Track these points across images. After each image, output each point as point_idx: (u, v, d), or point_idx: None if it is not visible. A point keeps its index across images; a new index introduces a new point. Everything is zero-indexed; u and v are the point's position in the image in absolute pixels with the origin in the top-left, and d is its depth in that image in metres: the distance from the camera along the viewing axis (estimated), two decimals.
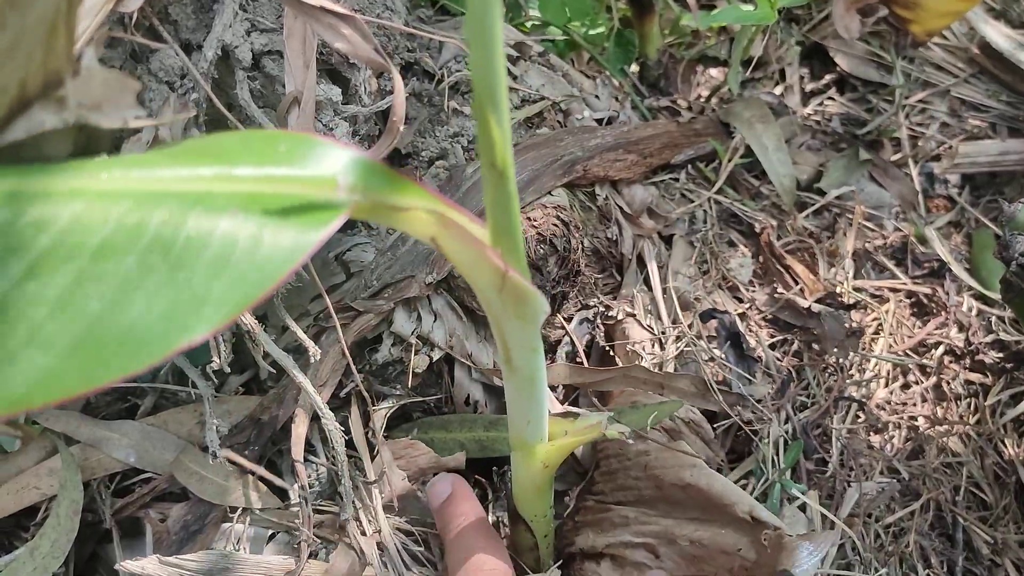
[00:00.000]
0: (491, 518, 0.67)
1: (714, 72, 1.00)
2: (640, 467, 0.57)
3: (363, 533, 0.59)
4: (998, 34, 1.00)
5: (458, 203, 0.66)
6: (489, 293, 0.41)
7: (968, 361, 0.75)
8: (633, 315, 0.72)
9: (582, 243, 0.65)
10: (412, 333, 0.64)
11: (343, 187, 0.33)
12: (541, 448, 0.50)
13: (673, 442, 0.58)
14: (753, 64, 1.02)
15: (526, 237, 0.63)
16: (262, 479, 0.63)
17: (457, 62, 0.73)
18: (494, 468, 0.64)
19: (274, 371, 0.60)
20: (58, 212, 0.30)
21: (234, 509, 0.62)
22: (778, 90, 1.02)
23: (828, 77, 1.03)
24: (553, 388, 0.68)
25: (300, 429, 0.59)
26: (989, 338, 0.75)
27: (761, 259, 0.79)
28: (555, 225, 0.63)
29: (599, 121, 0.77)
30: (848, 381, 0.71)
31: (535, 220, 0.63)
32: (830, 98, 1.02)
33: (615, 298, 0.73)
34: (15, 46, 0.28)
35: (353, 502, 0.57)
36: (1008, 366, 0.72)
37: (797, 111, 0.99)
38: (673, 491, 0.55)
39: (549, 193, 0.67)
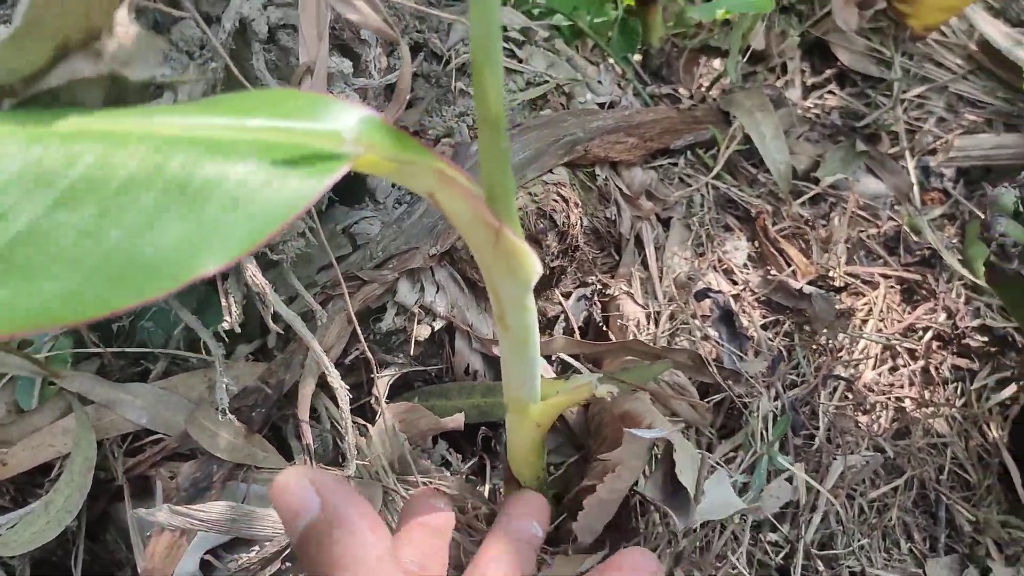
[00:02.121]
0: (487, 487, 0.69)
1: (716, 63, 1.02)
2: (611, 414, 0.59)
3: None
4: (996, 32, 1.02)
5: None
6: (484, 250, 0.43)
7: (955, 346, 0.77)
8: (630, 293, 0.74)
9: (581, 220, 0.68)
10: (415, 303, 0.66)
11: (348, 140, 0.35)
12: (534, 408, 0.53)
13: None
14: (756, 58, 1.05)
15: (527, 211, 0.65)
16: (269, 439, 0.65)
17: (464, 44, 0.76)
18: (481, 429, 0.66)
19: (282, 332, 0.62)
20: (86, 150, 0.32)
21: (240, 467, 0.64)
22: (779, 83, 1.04)
23: (829, 71, 1.05)
24: (550, 360, 0.71)
25: (306, 389, 0.62)
26: (976, 323, 0.77)
27: (756, 243, 0.81)
28: (555, 200, 0.65)
29: (601, 105, 0.79)
30: (837, 361, 0.73)
31: (536, 195, 0.65)
32: (830, 92, 1.04)
33: (613, 276, 0.76)
34: None
35: (356, 460, 0.59)
36: (993, 350, 0.74)
37: (797, 104, 1.01)
38: (615, 426, 0.58)
39: (550, 171, 0.69)
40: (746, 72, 1.03)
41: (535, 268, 0.45)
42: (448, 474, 0.67)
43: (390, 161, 0.37)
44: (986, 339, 0.75)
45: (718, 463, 0.66)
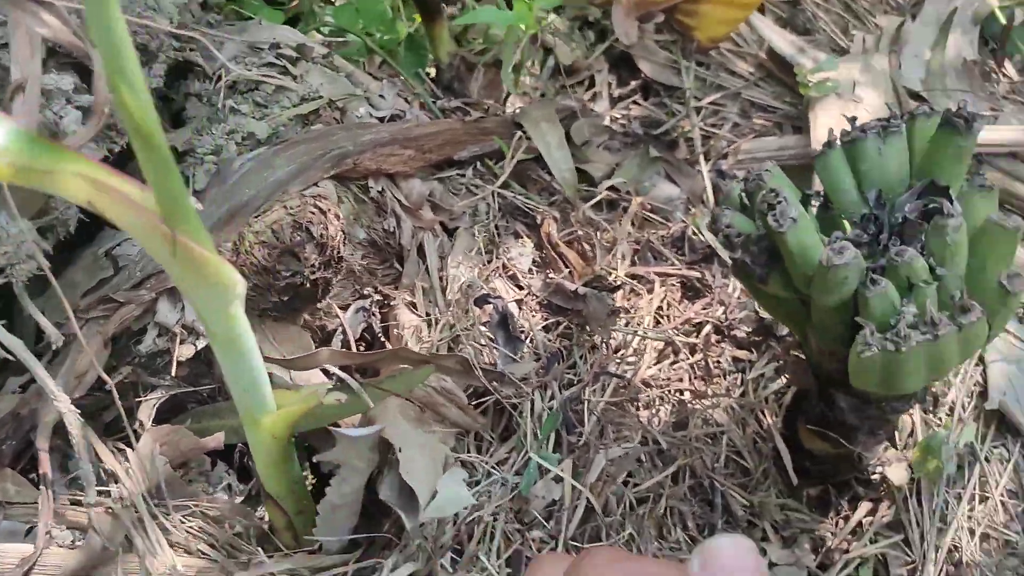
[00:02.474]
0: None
1: (527, 80, 1.05)
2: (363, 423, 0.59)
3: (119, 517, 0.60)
4: (782, 40, 1.07)
5: (224, 195, 0.68)
6: (166, 260, 0.43)
7: (728, 338, 0.80)
8: (412, 303, 0.74)
9: (343, 231, 0.68)
10: (176, 322, 0.65)
11: None
12: (267, 418, 0.52)
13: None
14: (567, 72, 1.08)
15: (282, 224, 0.65)
16: (21, 472, 0.63)
17: (236, 63, 0.75)
18: (237, 447, 0.65)
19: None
20: None
21: None
22: (587, 96, 1.08)
23: (634, 83, 1.09)
24: (328, 374, 0.70)
25: (47, 418, 0.60)
26: (743, 314, 0.80)
27: (542, 249, 0.83)
28: (312, 213, 0.66)
29: (381, 119, 0.80)
30: (611, 359, 0.75)
31: (292, 208, 0.65)
32: (635, 102, 1.08)
33: (396, 288, 0.76)
34: None
35: (96, 488, 0.58)
36: (758, 339, 0.77)
37: (604, 114, 1.05)
38: None
39: (316, 184, 0.69)
40: (559, 86, 1.06)
41: (232, 278, 0.44)
42: (219, 495, 0.66)
43: (34, 172, 0.37)
44: (750, 329, 0.79)
45: (494, 468, 0.67)
